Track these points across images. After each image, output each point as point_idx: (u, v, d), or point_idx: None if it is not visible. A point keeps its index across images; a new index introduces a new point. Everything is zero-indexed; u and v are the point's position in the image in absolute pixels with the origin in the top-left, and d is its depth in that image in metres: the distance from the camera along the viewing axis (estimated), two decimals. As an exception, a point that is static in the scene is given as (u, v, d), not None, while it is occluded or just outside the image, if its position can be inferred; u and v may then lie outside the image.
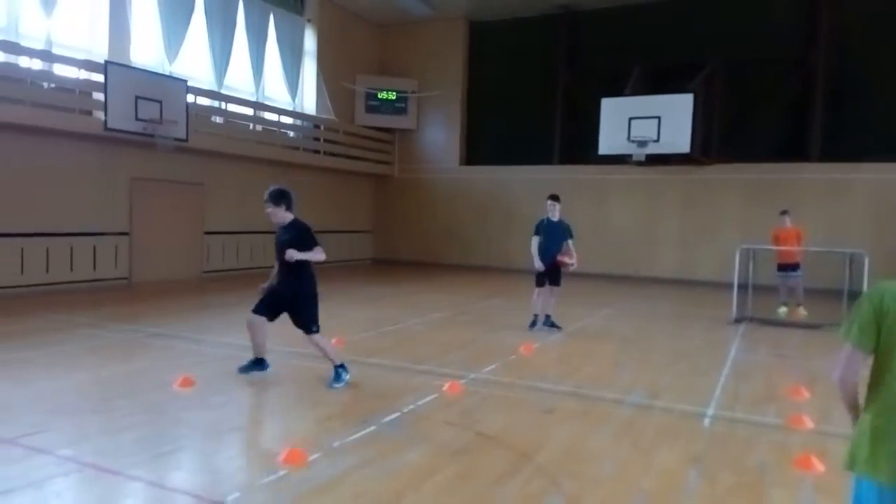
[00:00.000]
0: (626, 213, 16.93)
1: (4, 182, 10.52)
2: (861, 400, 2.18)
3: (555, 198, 8.84)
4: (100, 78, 11.08)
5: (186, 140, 12.26)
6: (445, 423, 4.79)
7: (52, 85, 11.03)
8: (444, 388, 5.66)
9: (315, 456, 4.01)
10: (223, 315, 9.16)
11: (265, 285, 5.93)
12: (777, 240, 11.09)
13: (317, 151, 17.01)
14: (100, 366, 6.29)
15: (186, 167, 13.45)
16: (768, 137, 15.81)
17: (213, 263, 14.20)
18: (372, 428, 4.61)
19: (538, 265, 8.63)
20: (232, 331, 8.14)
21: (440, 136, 19.35)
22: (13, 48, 10.44)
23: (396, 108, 19.22)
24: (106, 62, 11.17)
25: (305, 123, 17.00)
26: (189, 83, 12.70)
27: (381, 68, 19.63)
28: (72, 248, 11.53)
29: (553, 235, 8.72)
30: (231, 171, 14.59)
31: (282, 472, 3.79)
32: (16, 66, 10.50)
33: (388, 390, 5.71)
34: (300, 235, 5.68)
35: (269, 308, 5.78)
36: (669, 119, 14.53)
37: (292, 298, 5.73)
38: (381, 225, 20.04)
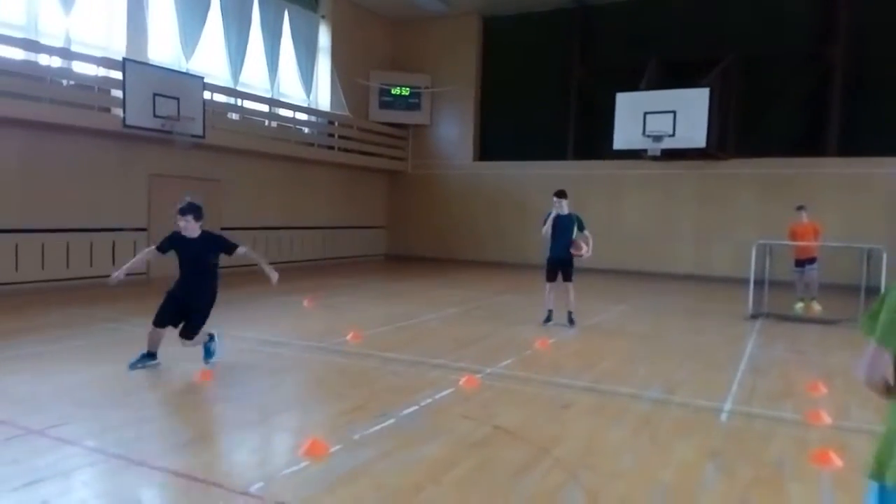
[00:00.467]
0: (641, 209, 16.87)
1: (25, 178, 10.68)
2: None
3: (560, 194, 8.84)
4: (118, 75, 11.20)
5: (203, 137, 12.37)
6: (463, 417, 4.83)
7: (72, 82, 11.17)
8: (461, 383, 5.69)
9: (336, 448, 4.07)
10: (239, 310, 9.25)
11: (115, 277, 6.02)
12: (794, 235, 11.02)
13: (331, 147, 17.10)
14: (122, 359, 6.37)
15: (203, 163, 13.57)
16: (785, 132, 15.68)
17: (229, 259, 14.28)
18: (391, 421, 4.66)
19: (546, 231, 8.76)
20: (248, 325, 8.23)
21: (454, 131, 19.37)
22: (33, 46, 10.59)
23: (410, 103, 19.26)
24: (124, 59, 11.29)
25: (320, 119, 17.09)
26: (205, 80, 12.80)
27: (394, 64, 19.66)
28: (91, 244, 11.69)
29: (561, 228, 8.72)
30: (247, 167, 14.70)
31: (304, 464, 3.85)
32: (35, 64, 10.65)
33: (405, 384, 5.76)
34: (222, 241, 6.18)
35: (172, 318, 5.98)
36: (685, 114, 14.44)
37: (201, 307, 5.98)
38: (394, 220, 20.10)
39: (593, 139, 17.03)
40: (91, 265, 11.67)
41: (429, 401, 5.21)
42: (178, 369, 5.95)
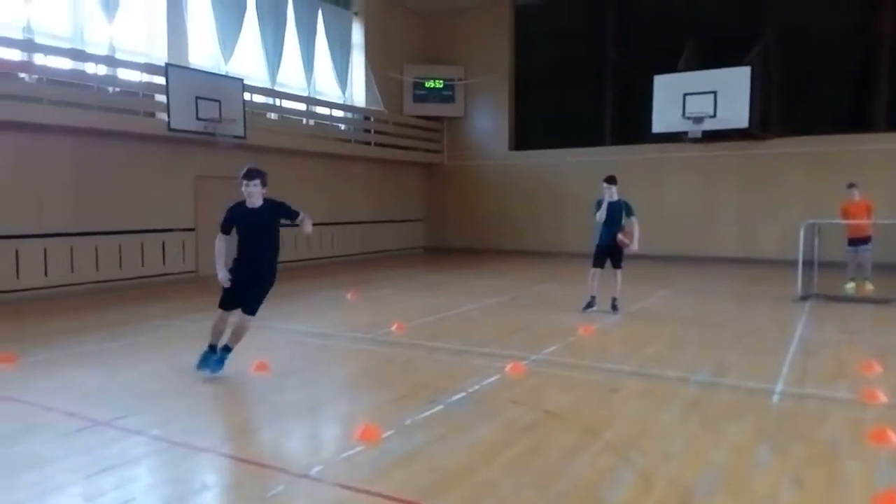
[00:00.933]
0: (682, 192, 16.59)
1: (77, 184, 11.09)
2: None
3: (610, 180, 8.77)
4: (161, 80, 11.52)
5: (244, 137, 12.64)
6: (511, 402, 4.89)
7: (117, 89, 11.53)
8: (507, 370, 5.75)
9: (388, 433, 4.17)
10: (288, 304, 9.47)
11: (224, 276, 5.55)
12: (846, 213, 10.73)
13: (367, 143, 17.27)
14: (178, 354, 6.62)
15: (244, 163, 13.69)
16: (830, 108, 15.21)
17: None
18: (440, 407, 4.75)
19: (600, 216, 8.63)
20: (296, 318, 8.44)
21: (488, 122, 19.34)
22: (79, 55, 10.96)
23: (444, 96, 19.30)
24: (167, 65, 11.60)
25: (355, 116, 17.28)
26: (244, 82, 13.06)
27: (427, 57, 19.70)
28: (142, 245, 12.10)
29: (610, 216, 8.66)
30: (286, 165, 14.94)
31: (358, 448, 3.97)
32: (83, 73, 11.03)
33: (451, 372, 5.84)
34: (285, 207, 5.72)
35: (237, 297, 5.62)
36: (726, 94, 14.13)
37: (264, 277, 5.60)
38: (432, 213, 20.20)
39: (631, 123, 16.81)
40: (143, 265, 12.08)
41: (476, 387, 5.28)
42: (234, 362, 6.14)
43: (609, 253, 8.83)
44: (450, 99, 19.31)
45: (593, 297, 8.89)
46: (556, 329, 7.75)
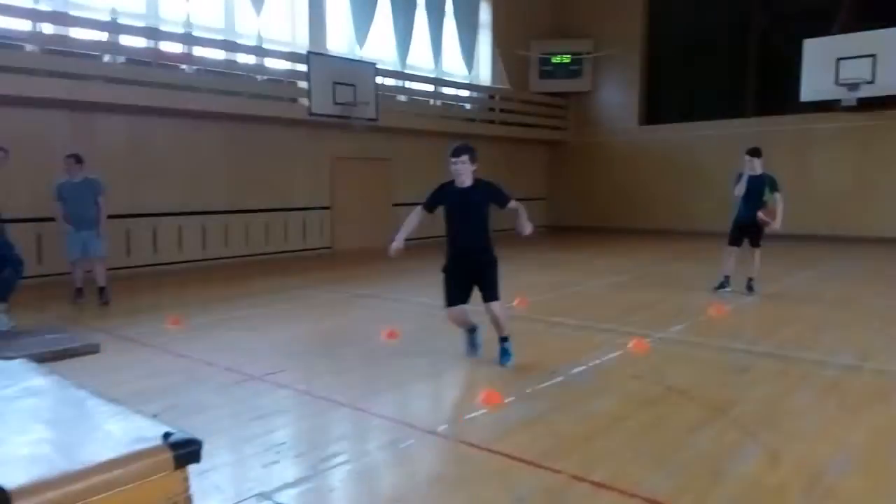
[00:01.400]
0: (833, 166, 15.23)
1: (230, 167, 12.18)
2: None
3: (753, 152, 8.27)
4: (303, 67, 12.33)
5: (377, 119, 13.24)
6: (632, 377, 4.90)
7: (264, 77, 12.48)
8: (629, 346, 5.73)
9: (510, 399, 4.36)
10: (416, 278, 9.91)
11: (395, 247, 5.23)
12: None
13: (491, 122, 17.40)
14: (318, 320, 7.22)
15: (376, 144, 14.54)
16: None
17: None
18: (560, 378, 4.86)
19: (739, 190, 8.19)
20: (424, 292, 8.81)
21: (617, 96, 18.76)
22: (231, 46, 11.96)
23: (571, 71, 18.94)
24: (308, 53, 12.39)
25: (481, 95, 17.44)
26: (376, 65, 13.64)
27: (555, 31, 19.39)
28: (286, 222, 13.12)
29: (752, 190, 8.20)
30: (414, 145, 15.47)
31: (482, 411, 4.19)
32: (234, 62, 12.04)
33: (572, 346, 5.91)
34: (498, 190, 5.16)
35: (462, 292, 5.17)
36: (886, 57, 12.79)
37: (486, 265, 5.13)
38: (555, 191, 20.01)
39: (775, 93, 15.67)
40: (285, 241, 13.09)
41: (596, 361, 5.33)
42: (367, 330, 6.59)
43: (747, 231, 8.39)
44: (577, 74, 18.93)
45: (727, 277, 8.52)
46: (684, 309, 7.54)
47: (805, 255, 12.33)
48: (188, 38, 11.32)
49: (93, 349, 5.64)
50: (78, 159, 8.04)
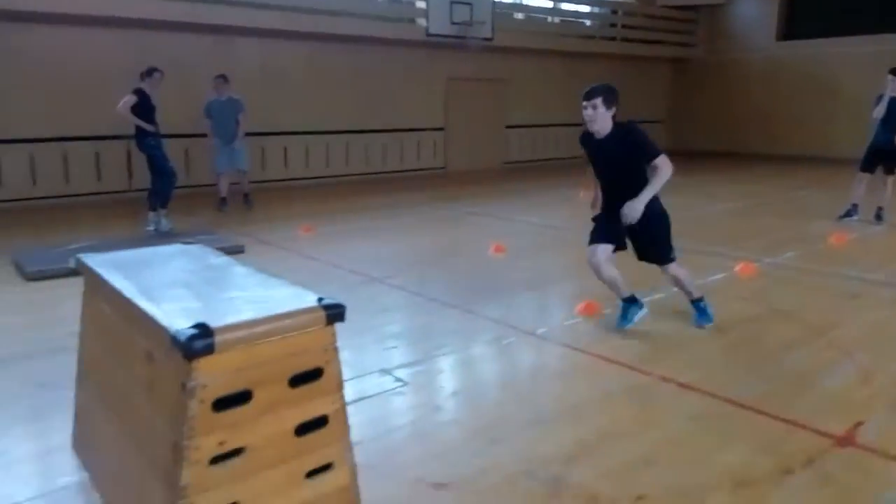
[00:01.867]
0: None
1: (353, 88, 12.69)
2: None
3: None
4: (421, -14, 12.44)
5: (492, 39, 13.19)
6: (737, 297, 4.99)
7: (383, -2, 12.74)
8: (736, 269, 5.75)
9: (608, 310, 4.62)
10: (525, 199, 10.14)
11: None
12: None
13: (612, 38, 16.72)
14: (431, 234, 7.72)
15: (491, 65, 14.52)
16: None
17: (512, 154, 15.41)
18: (661, 295, 5.03)
19: (878, 112, 7.64)
20: (533, 211, 9.09)
21: (753, 8, 17.33)
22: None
23: (703, -19, 17.64)
24: (426, -29, 12.44)
25: (603, 10, 16.72)
26: (493, -19, 13.45)
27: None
28: (402, 143, 13.62)
29: (891, 113, 7.61)
30: (529, 66, 15.28)
31: (579, 319, 4.51)
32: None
33: (678, 266, 5.99)
34: (641, 142, 4.04)
35: (609, 235, 4.21)
36: None
37: (650, 221, 4.09)
38: (675, 113, 19.09)
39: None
40: (401, 161, 13.65)
41: (700, 282, 5.39)
42: (478, 243, 7.00)
43: (883, 156, 7.87)
44: (709, -17, 17.61)
45: (855, 205, 8.10)
46: (802, 236, 7.33)
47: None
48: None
49: (238, 249, 6.44)
50: (225, 79, 8.95)
